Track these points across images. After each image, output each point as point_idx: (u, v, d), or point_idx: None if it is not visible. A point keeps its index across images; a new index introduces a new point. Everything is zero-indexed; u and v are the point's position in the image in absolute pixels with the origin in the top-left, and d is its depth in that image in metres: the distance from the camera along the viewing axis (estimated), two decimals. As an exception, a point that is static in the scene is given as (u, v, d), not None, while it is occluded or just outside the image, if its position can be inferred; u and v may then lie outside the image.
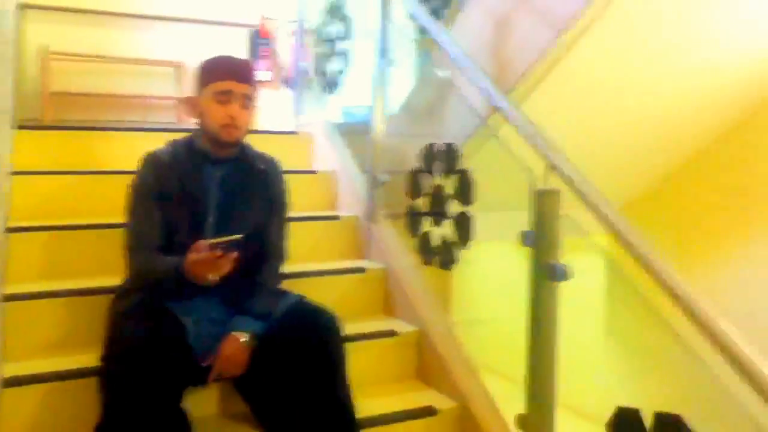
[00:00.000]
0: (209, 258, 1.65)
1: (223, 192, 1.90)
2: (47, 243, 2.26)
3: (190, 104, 1.91)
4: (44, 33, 4.65)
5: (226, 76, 1.82)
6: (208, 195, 1.88)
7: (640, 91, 2.69)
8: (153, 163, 1.88)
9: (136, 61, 4.95)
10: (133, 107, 4.95)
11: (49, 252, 2.26)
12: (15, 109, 4.25)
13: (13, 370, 1.81)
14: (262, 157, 2.04)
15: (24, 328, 1.98)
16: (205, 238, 1.77)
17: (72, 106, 4.72)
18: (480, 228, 2.17)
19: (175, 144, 1.94)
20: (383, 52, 2.61)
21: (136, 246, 1.83)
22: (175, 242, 1.83)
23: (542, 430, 1.72)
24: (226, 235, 1.66)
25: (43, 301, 2.03)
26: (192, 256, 1.67)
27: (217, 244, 1.64)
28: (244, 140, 1.95)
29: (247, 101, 1.86)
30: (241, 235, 1.66)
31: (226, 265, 1.68)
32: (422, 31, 2.79)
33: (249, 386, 1.86)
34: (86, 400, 1.67)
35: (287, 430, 1.76)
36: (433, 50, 2.83)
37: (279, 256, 2.03)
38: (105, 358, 1.67)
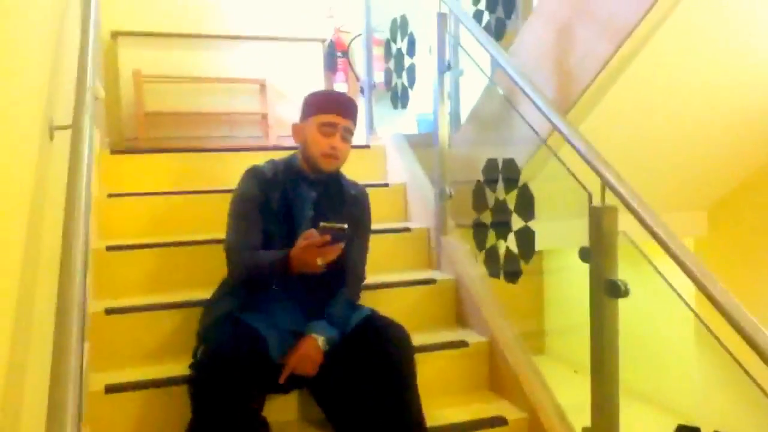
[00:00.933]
0: (320, 242, 1.81)
1: (316, 211, 2.07)
2: (143, 260, 2.47)
3: (296, 131, 2.09)
4: (137, 58, 4.97)
5: (332, 110, 2.01)
6: (303, 212, 2.06)
7: (706, 98, 2.63)
8: (256, 175, 2.07)
9: (222, 80, 5.20)
10: (220, 123, 5.21)
11: (145, 268, 2.47)
12: (115, 130, 4.58)
13: (113, 378, 2.01)
14: (352, 184, 2.21)
15: (123, 339, 2.19)
16: None
17: (165, 124, 5.03)
18: (546, 235, 2.21)
19: (274, 163, 2.13)
20: (441, 65, 2.68)
21: (239, 245, 2.00)
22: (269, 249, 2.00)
23: (607, 443, 1.75)
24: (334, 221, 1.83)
25: (140, 314, 2.22)
26: (304, 242, 1.84)
27: (329, 228, 1.80)
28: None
29: (347, 135, 2.04)
30: (346, 225, 1.82)
31: (333, 252, 1.85)
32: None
33: (323, 393, 2.00)
34: (179, 406, 1.84)
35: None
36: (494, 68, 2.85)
37: (359, 275, 2.17)
38: (192, 366, 1.84)
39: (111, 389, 1.96)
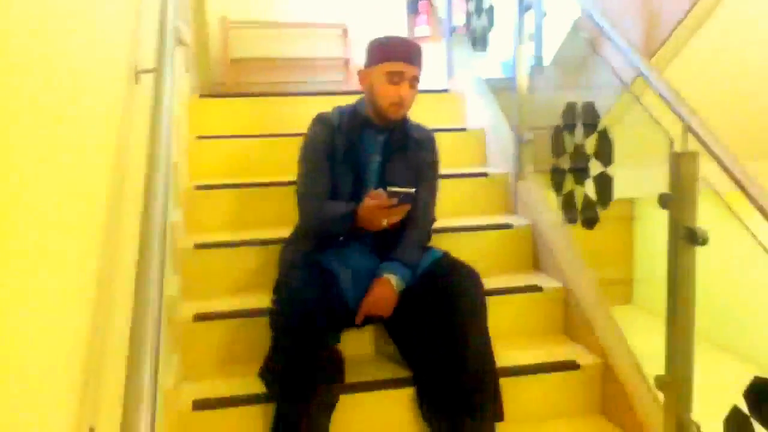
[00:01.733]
0: (386, 204, 1.84)
1: (383, 156, 2.08)
2: (228, 199, 2.60)
3: (362, 76, 2.07)
4: (224, 4, 5.08)
5: (399, 58, 1.96)
6: (369, 158, 2.08)
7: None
8: (324, 122, 2.10)
9: (305, 25, 5.25)
10: (303, 68, 5.28)
11: (230, 206, 2.60)
12: (203, 76, 4.73)
13: (200, 307, 2.15)
14: (418, 128, 2.19)
15: (210, 272, 2.33)
16: (363, 198, 1.98)
17: (249, 70, 5.15)
18: (626, 183, 2.15)
19: (341, 110, 2.14)
20: (521, 5, 2.59)
21: (308, 193, 2.06)
22: (338, 199, 2.05)
23: (680, 393, 1.72)
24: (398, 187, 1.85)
25: (226, 250, 2.35)
26: (371, 201, 1.88)
27: (395, 192, 1.82)
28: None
29: (414, 82, 2.00)
30: (414, 189, 1.85)
31: (399, 214, 1.90)
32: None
33: (396, 330, 2.06)
34: (261, 336, 1.94)
35: (428, 372, 1.93)
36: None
37: (427, 218, 2.17)
38: (273, 300, 1.94)
39: (199, 317, 2.10)
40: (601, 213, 2.20)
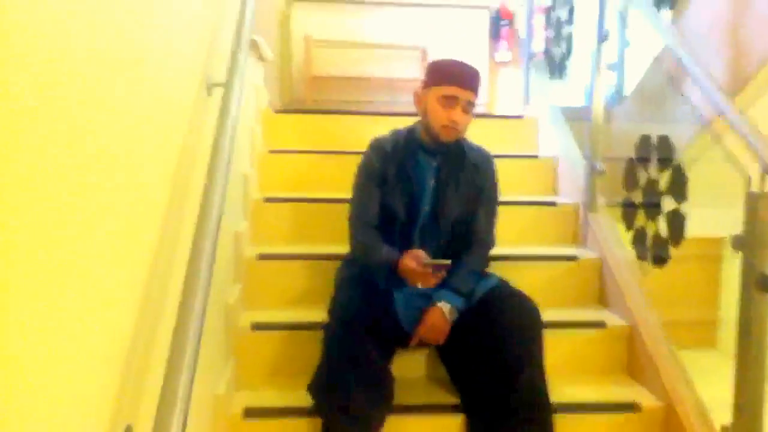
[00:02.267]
0: (420, 271, 1.88)
1: (437, 180, 2.06)
2: (295, 212, 2.65)
3: (417, 98, 2.06)
4: (308, 23, 5.22)
5: (454, 82, 1.94)
6: (424, 182, 2.06)
7: None
8: (377, 148, 2.10)
9: (385, 46, 5.32)
10: (382, 89, 5.35)
11: (297, 220, 2.65)
12: (285, 92, 4.86)
13: (259, 317, 2.20)
14: (476, 151, 2.15)
15: (271, 283, 2.37)
16: (419, 222, 2.02)
17: (330, 88, 5.26)
18: (701, 222, 2.05)
19: (397, 133, 2.14)
20: (600, 35, 2.53)
21: (356, 220, 2.08)
22: (392, 222, 2.05)
23: (746, 445, 1.62)
24: (437, 259, 1.91)
25: (287, 262, 2.39)
26: (407, 263, 1.90)
27: (431, 264, 1.88)
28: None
29: (468, 107, 1.97)
30: (450, 261, 1.88)
31: (433, 280, 1.91)
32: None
33: (448, 356, 2.04)
34: (315, 348, 1.94)
35: (477, 401, 1.89)
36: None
37: (486, 243, 2.14)
38: (328, 314, 1.96)
39: (257, 327, 2.14)
40: (681, 251, 2.11)
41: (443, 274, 1.91)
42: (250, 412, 1.90)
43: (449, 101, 1.94)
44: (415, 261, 1.90)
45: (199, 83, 1.65)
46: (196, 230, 1.20)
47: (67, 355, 0.80)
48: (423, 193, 2.05)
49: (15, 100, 0.68)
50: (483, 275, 2.09)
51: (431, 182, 2.06)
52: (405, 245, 2.03)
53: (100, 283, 0.91)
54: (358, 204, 2.09)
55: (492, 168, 2.16)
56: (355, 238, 2.08)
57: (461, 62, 1.99)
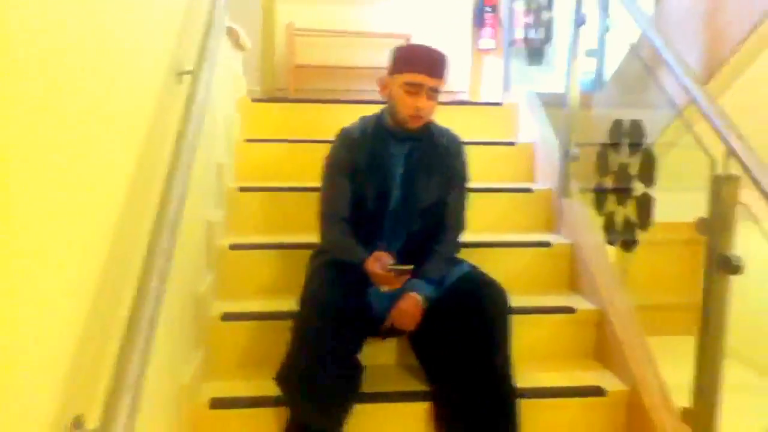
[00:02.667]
0: (385, 276, 1.89)
1: (407, 167, 2.05)
2: (269, 202, 2.65)
3: (382, 84, 2.04)
4: (291, 11, 5.19)
5: (419, 69, 1.91)
6: (393, 169, 2.05)
7: None
8: (345, 138, 2.09)
9: (369, 35, 5.30)
10: (365, 77, 5.33)
11: (270, 209, 2.65)
12: (266, 80, 4.84)
13: (229, 307, 2.20)
14: (444, 133, 2.13)
15: (242, 274, 2.38)
16: (389, 210, 2.02)
17: (313, 76, 5.25)
18: (671, 207, 2.07)
19: (364, 120, 2.13)
20: (578, 19, 2.53)
21: (326, 215, 2.08)
22: (363, 211, 2.05)
23: (706, 426, 1.65)
24: (400, 264, 1.91)
25: (260, 252, 2.40)
26: (371, 267, 1.91)
27: (394, 269, 1.89)
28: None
29: (433, 93, 1.95)
30: (412, 267, 1.89)
31: (397, 284, 1.93)
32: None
33: (419, 342, 2.05)
34: (284, 337, 1.92)
35: (446, 388, 1.92)
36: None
37: (457, 226, 2.13)
38: (298, 303, 1.96)
39: (227, 317, 2.15)
40: (657, 236, 2.13)
41: (407, 277, 1.92)
42: (218, 403, 1.91)
43: (414, 88, 1.92)
44: (379, 264, 1.90)
45: (167, 70, 1.65)
46: (156, 216, 1.21)
47: (9, 344, 0.81)
48: (393, 180, 2.05)
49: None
50: (455, 262, 2.10)
51: (400, 170, 2.05)
52: (376, 234, 2.04)
53: (51, 269, 0.92)
54: (328, 199, 2.08)
55: (462, 151, 2.15)
56: (324, 236, 2.09)
57: (427, 48, 1.96)
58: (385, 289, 1.95)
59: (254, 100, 3.20)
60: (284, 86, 5.09)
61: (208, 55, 1.74)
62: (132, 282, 1.26)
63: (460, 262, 2.12)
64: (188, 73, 1.73)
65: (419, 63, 1.92)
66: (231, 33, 2.92)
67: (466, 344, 1.85)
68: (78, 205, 1.03)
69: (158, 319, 1.07)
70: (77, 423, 0.98)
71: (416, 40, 5.22)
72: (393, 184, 2.04)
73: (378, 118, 2.10)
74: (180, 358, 1.80)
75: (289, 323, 1.92)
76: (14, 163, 0.82)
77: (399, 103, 1.96)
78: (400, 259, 2.00)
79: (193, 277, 1.99)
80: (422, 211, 2.05)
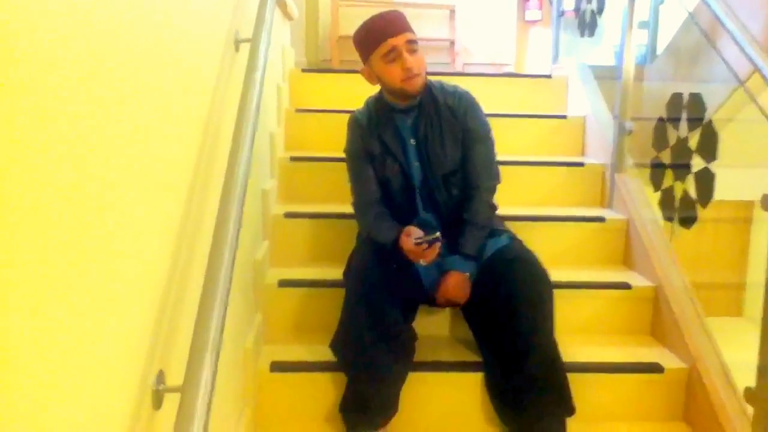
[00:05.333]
0: (415, 250, 1.86)
1: (417, 136, 2.00)
2: (320, 171, 2.67)
3: (367, 75, 1.97)
4: (335, -18, 5.16)
5: (383, 36, 1.85)
6: (405, 143, 2.02)
7: None
8: (353, 126, 2.08)
9: (413, 5, 5.24)
10: (409, 49, 5.29)
11: (321, 180, 2.67)
12: (310, 51, 4.83)
13: (285, 274, 2.24)
14: (450, 93, 2.03)
15: (295, 241, 2.41)
16: (416, 184, 2.01)
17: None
18: (734, 185, 2.02)
19: (368, 103, 2.10)
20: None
21: (356, 203, 2.09)
22: (391, 192, 2.04)
23: (769, 407, 1.62)
24: (427, 233, 1.86)
25: (313, 220, 2.43)
26: (402, 243, 1.89)
27: (421, 241, 1.84)
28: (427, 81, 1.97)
29: (411, 46, 1.86)
30: (438, 233, 1.83)
31: (432, 254, 1.87)
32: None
33: (470, 313, 2.06)
34: (337, 304, 1.94)
35: (494, 359, 1.93)
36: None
37: (488, 181, 2.04)
38: (344, 272, 1.99)
39: (283, 283, 2.19)
40: (710, 214, 2.08)
41: (438, 246, 1.87)
42: (277, 366, 1.95)
43: (391, 54, 1.85)
44: (408, 240, 1.88)
45: (226, 39, 1.65)
46: (224, 183, 1.22)
47: (101, 302, 0.83)
48: (408, 154, 2.01)
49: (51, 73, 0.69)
50: (494, 233, 2.05)
51: (412, 141, 2.01)
52: (410, 211, 2.04)
53: (132, 233, 0.94)
54: (356, 186, 2.09)
55: (472, 104, 2.03)
56: (360, 224, 2.09)
57: (377, 15, 1.90)
58: (423, 262, 1.91)
59: (304, 70, 3.20)
60: (328, 57, 5.08)
61: (265, 23, 1.73)
62: (202, 250, 1.28)
63: (500, 233, 2.07)
64: (246, 41, 1.73)
65: (379, 31, 1.86)
66: (280, 2, 2.91)
67: (508, 322, 1.84)
68: (154, 177, 1.04)
69: (230, 284, 1.08)
70: (159, 379, 1.00)
71: (460, 12, 5.16)
72: (410, 157, 2.01)
73: (378, 98, 2.06)
74: (242, 323, 1.84)
75: (342, 291, 1.94)
76: (103, 141, 0.83)
77: (388, 76, 1.89)
78: (444, 229, 1.99)
79: (251, 245, 2.02)
80: (447, 176, 2.00)
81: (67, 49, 0.73)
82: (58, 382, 0.71)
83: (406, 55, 1.85)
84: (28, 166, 0.65)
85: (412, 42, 1.87)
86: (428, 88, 1.98)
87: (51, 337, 0.69)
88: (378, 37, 1.86)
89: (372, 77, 1.96)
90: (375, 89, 2.04)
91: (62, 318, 0.72)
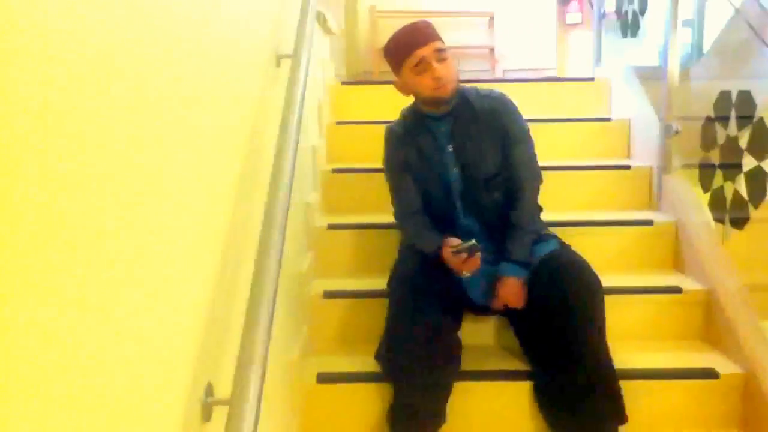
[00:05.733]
0: (456, 262, 1.87)
1: (455, 142, 2.00)
2: (362, 182, 2.68)
3: (400, 87, 1.99)
4: (372, -6, 5.22)
5: (411, 48, 1.87)
6: (443, 151, 2.01)
7: None
8: (390, 137, 2.09)
9: (452, 14, 5.25)
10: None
11: (362, 191, 2.68)
12: (351, 63, 4.88)
13: (329, 285, 2.26)
14: (485, 97, 2.02)
15: (339, 252, 2.43)
16: (455, 192, 2.01)
17: (397, 59, 5.24)
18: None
19: (403, 114, 2.11)
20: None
21: (398, 214, 2.10)
22: (432, 200, 2.04)
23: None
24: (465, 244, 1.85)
25: (356, 231, 2.45)
26: (444, 255, 1.90)
27: (459, 251, 1.85)
28: (460, 87, 1.98)
29: (440, 54, 1.87)
30: (474, 240, 1.84)
31: (472, 265, 1.88)
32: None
33: (515, 323, 2.04)
34: (381, 314, 1.95)
35: (544, 367, 1.90)
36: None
37: (532, 180, 2.03)
38: (388, 282, 2.00)
39: (328, 294, 2.21)
40: (761, 213, 2.02)
41: (478, 256, 1.87)
42: (324, 377, 1.97)
43: (421, 65, 1.86)
44: (446, 250, 1.89)
45: (268, 55, 1.69)
46: (268, 196, 1.24)
47: (153, 314, 0.85)
48: (447, 160, 2.01)
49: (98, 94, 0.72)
50: (542, 238, 2.03)
51: (450, 147, 2.00)
52: (452, 219, 2.04)
53: (184, 249, 0.96)
54: (396, 197, 2.10)
55: (507, 105, 2.02)
56: (403, 233, 2.12)
57: (404, 27, 1.92)
58: (464, 274, 1.90)
59: (343, 83, 3.24)
60: (368, 69, 5.13)
61: (306, 38, 1.77)
62: (247, 262, 1.31)
63: (548, 238, 2.05)
64: (287, 57, 1.76)
65: (407, 44, 1.88)
66: (319, 18, 2.96)
67: (559, 331, 1.82)
68: (203, 189, 1.07)
69: (276, 296, 1.10)
70: (208, 392, 1.02)
71: (500, 18, 5.15)
72: (449, 164, 2.01)
73: (413, 108, 2.07)
74: (289, 335, 1.86)
75: (386, 301, 1.95)
76: (153, 164, 0.86)
77: (419, 86, 1.91)
78: (486, 238, 1.98)
79: (296, 257, 2.05)
80: (488, 180, 1.99)
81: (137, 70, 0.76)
82: (111, 396, 0.73)
83: (435, 64, 1.86)
84: (85, 183, 0.67)
85: (440, 51, 1.88)
86: (462, 94, 1.99)
87: (105, 350, 0.72)
88: (406, 50, 1.89)
89: (405, 89, 1.97)
90: (411, 99, 2.06)
91: (116, 330, 0.74)
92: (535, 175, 2.03)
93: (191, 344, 1.00)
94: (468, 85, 2.04)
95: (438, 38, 1.90)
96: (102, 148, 0.72)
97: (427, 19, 1.95)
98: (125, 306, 0.77)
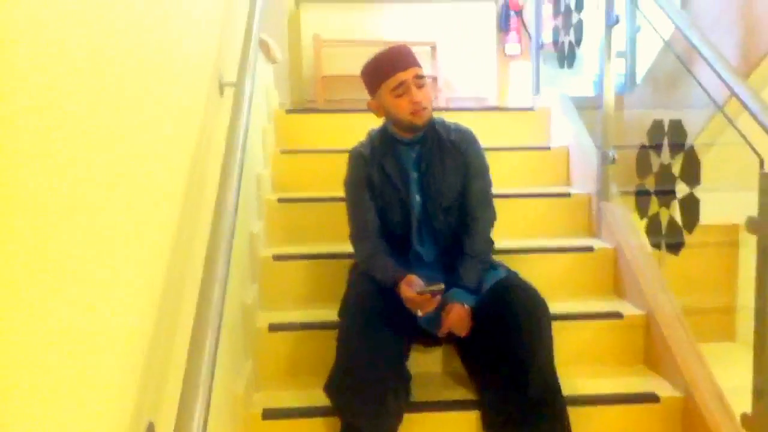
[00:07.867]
0: (419, 300, 1.87)
1: (420, 169, 2.03)
2: (309, 212, 2.66)
3: (373, 107, 2.02)
4: (316, 23, 5.24)
5: (392, 71, 1.90)
6: (408, 176, 2.04)
7: None
8: (356, 156, 2.09)
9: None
10: (392, 86, 5.35)
11: (309, 220, 2.66)
12: (295, 92, 4.87)
13: (275, 318, 2.21)
14: (453, 130, 2.08)
15: (285, 284, 2.39)
16: (413, 218, 2.02)
17: (340, 87, 5.27)
18: (718, 209, 2.04)
19: (371, 135, 2.13)
20: (609, 19, 2.51)
21: (354, 235, 2.09)
22: (390, 223, 2.05)
23: None
24: (432, 283, 1.87)
25: (302, 262, 2.41)
26: (404, 292, 1.89)
27: (424, 292, 1.86)
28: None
29: (419, 80, 1.92)
30: (442, 285, 1.86)
31: (431, 305, 1.89)
32: None
33: (463, 350, 2.05)
34: (330, 346, 1.91)
35: (491, 393, 1.90)
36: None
37: (485, 219, 2.08)
38: (339, 313, 1.98)
39: (274, 327, 2.16)
40: (697, 239, 2.09)
41: (439, 298, 1.89)
42: (269, 413, 1.92)
43: (400, 89, 1.90)
44: (412, 288, 1.88)
45: (211, 83, 1.66)
46: (211, 227, 1.21)
47: (87, 352, 0.81)
48: (410, 186, 2.04)
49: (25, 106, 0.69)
50: (491, 266, 2.07)
51: (414, 174, 2.04)
52: (408, 243, 2.05)
53: (119, 282, 0.93)
54: (354, 218, 2.09)
55: (473, 142, 2.09)
56: (357, 256, 2.10)
57: (386, 50, 1.96)
58: (420, 313, 1.91)
59: (288, 112, 3.22)
60: (312, 97, 5.13)
61: (249, 66, 1.75)
62: (189, 293, 1.27)
63: (497, 266, 2.10)
64: (230, 85, 1.74)
65: (389, 66, 1.91)
66: (263, 46, 2.95)
67: (507, 354, 1.84)
68: (141, 220, 1.03)
69: (220, 327, 1.07)
70: (150, 430, 0.98)
71: (442, 48, 5.24)
72: (412, 190, 2.04)
73: (383, 129, 2.09)
74: (233, 369, 1.81)
75: (334, 333, 1.92)
76: (86, 184, 0.83)
77: (396, 109, 1.94)
78: (439, 265, 2.00)
79: (240, 288, 2.00)
80: (447, 208, 2.03)
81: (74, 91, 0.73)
82: (44, 440, 0.69)
83: (414, 89, 1.90)
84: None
85: (419, 77, 1.92)
86: (433, 124, 2.03)
87: (38, 387, 0.68)
88: (387, 72, 1.91)
89: (379, 110, 2.00)
90: (362, 128, 2.06)
91: (51, 366, 0.71)
92: (490, 209, 2.09)
93: (131, 382, 0.96)
94: (436, 116, 2.07)
95: (418, 65, 1.94)
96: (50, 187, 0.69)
97: (404, 46, 1.97)
98: (62, 339, 0.73)
